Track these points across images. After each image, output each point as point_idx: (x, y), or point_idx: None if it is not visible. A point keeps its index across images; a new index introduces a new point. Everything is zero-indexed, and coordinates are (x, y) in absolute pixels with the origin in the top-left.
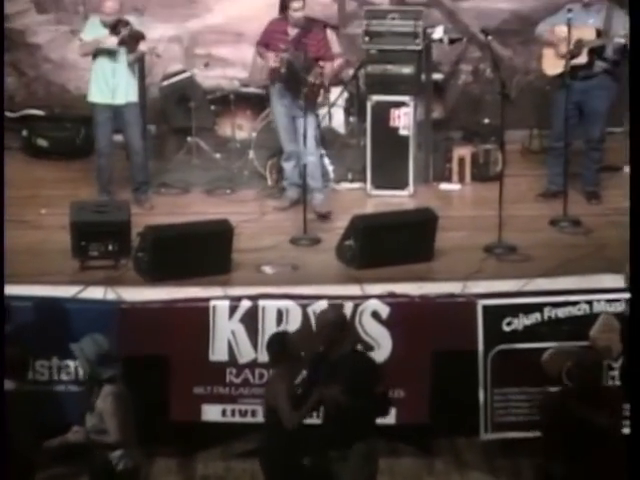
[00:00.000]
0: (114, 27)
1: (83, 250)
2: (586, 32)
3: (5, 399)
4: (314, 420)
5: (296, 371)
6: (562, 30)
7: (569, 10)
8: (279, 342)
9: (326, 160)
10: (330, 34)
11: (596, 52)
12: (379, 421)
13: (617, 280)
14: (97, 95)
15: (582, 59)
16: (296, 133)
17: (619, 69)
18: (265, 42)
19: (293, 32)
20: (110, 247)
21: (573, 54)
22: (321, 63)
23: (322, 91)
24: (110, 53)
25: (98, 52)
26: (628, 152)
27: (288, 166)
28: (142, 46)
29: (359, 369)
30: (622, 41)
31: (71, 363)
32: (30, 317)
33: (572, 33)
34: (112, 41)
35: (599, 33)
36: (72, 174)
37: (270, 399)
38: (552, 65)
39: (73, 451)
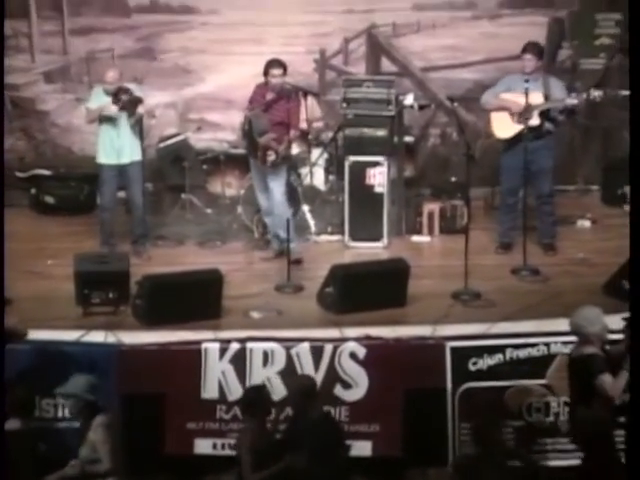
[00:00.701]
0: (116, 94)
1: (86, 298)
2: (533, 97)
3: (10, 437)
4: None
5: (268, 426)
6: (509, 97)
7: (527, 80)
8: (254, 395)
9: (308, 215)
10: (311, 100)
11: (545, 115)
12: (356, 452)
13: None
14: (104, 157)
15: (535, 121)
16: (267, 190)
17: (560, 130)
18: (250, 103)
19: (269, 96)
20: (111, 295)
21: (527, 117)
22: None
23: (274, 154)
24: (113, 119)
25: (103, 119)
26: (580, 207)
27: (269, 220)
28: (141, 109)
29: (324, 437)
30: (574, 102)
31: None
32: (38, 359)
33: (521, 99)
34: (113, 109)
35: (546, 97)
36: (76, 228)
37: (237, 448)
38: (505, 129)
39: None
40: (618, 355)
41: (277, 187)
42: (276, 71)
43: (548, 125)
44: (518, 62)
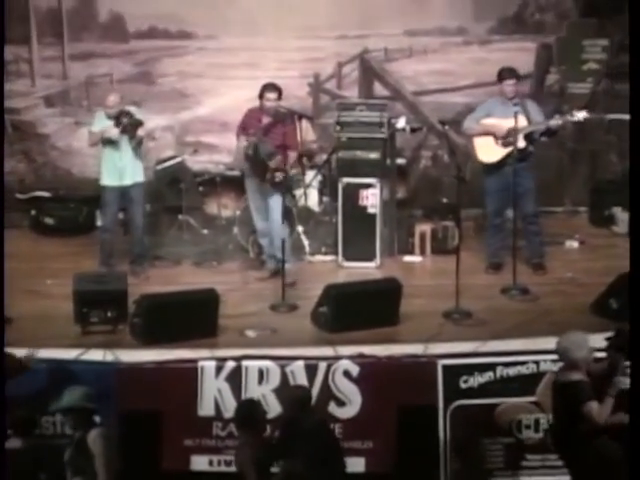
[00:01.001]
0: (117, 118)
1: (85, 316)
2: (518, 120)
3: (11, 455)
4: None
5: (264, 437)
6: (492, 122)
7: (515, 104)
8: (247, 409)
9: (302, 235)
10: (305, 124)
11: (529, 137)
12: (349, 469)
13: None
14: (107, 179)
15: (521, 144)
16: (266, 211)
17: (548, 153)
18: (243, 127)
19: (266, 120)
20: (109, 314)
21: (511, 141)
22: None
23: (282, 175)
24: (114, 142)
25: (105, 142)
26: (568, 228)
27: (264, 242)
28: (141, 132)
29: (320, 445)
30: (559, 123)
31: None
32: (37, 377)
33: (504, 123)
34: (114, 132)
35: (528, 120)
36: (75, 249)
37: (238, 464)
38: (490, 153)
39: None
40: (601, 373)
41: (277, 207)
42: (271, 95)
43: (530, 147)
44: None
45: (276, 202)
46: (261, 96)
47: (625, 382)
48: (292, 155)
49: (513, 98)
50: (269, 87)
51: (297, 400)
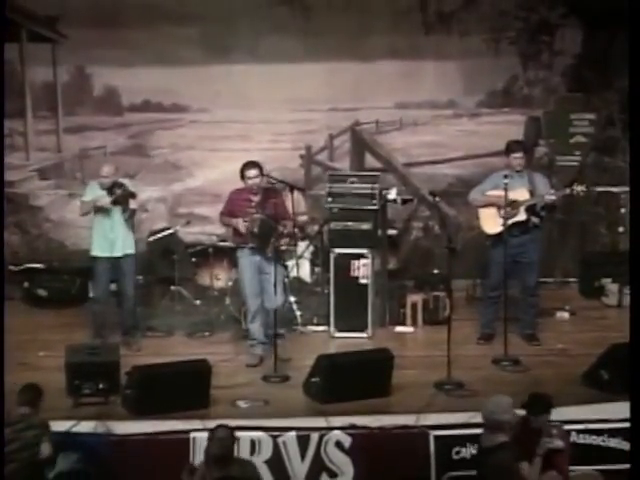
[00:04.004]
0: (110, 188)
1: (76, 389)
2: (519, 193)
3: None
4: None
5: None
6: (496, 194)
7: (505, 176)
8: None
9: (294, 306)
10: (297, 195)
11: (531, 210)
12: None
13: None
14: (98, 249)
15: (521, 217)
16: (262, 289)
17: (544, 224)
18: (229, 210)
19: (255, 198)
20: (101, 385)
21: (512, 214)
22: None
23: (288, 240)
24: (106, 211)
25: (96, 211)
26: (559, 299)
27: (253, 327)
28: (134, 204)
29: None
30: (553, 198)
31: None
32: None
33: (508, 195)
34: (106, 200)
35: (531, 193)
36: (68, 320)
37: None
38: (492, 225)
39: None
40: (525, 435)
41: (280, 279)
42: (251, 172)
43: (534, 219)
44: (497, 158)
45: (280, 273)
46: (242, 176)
47: (551, 442)
48: (289, 225)
49: (520, 171)
50: (248, 165)
51: (214, 457)
